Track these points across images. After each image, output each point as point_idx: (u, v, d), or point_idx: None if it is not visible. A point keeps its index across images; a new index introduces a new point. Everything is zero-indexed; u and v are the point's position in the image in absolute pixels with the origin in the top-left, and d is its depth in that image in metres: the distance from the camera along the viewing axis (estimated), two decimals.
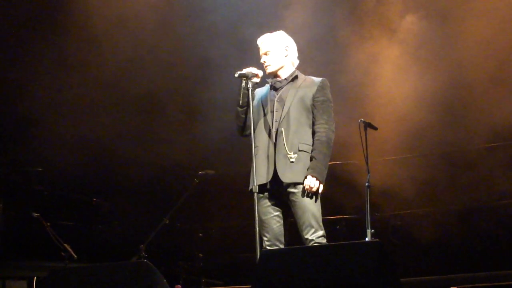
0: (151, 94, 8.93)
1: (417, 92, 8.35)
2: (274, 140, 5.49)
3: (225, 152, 9.01)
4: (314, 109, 5.54)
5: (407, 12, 8.49)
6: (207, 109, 8.86)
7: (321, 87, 5.59)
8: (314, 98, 5.55)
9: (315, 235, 5.31)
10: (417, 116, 8.39)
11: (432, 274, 8.21)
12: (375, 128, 6.86)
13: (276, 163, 5.42)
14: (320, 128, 5.50)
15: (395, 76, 8.49)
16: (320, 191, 5.38)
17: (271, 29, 5.76)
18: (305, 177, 5.36)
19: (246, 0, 8.57)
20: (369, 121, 6.81)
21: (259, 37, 5.71)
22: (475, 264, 8.20)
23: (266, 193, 5.49)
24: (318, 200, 5.42)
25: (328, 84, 5.66)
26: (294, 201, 5.40)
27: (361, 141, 6.65)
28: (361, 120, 6.73)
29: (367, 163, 6.63)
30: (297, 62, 5.78)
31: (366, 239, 6.41)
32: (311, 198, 5.36)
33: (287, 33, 5.77)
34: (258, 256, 5.00)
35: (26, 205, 8.23)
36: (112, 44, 8.51)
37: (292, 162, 5.40)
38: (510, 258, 8.03)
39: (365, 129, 6.73)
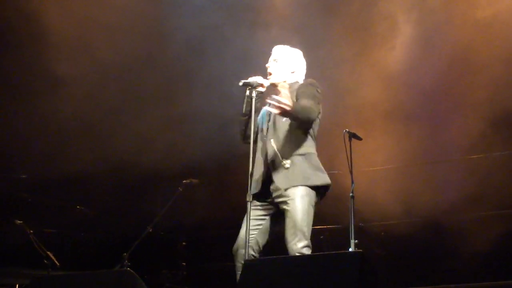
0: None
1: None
2: (264, 150, 5.54)
3: (210, 161, 9.01)
4: (299, 98, 5.49)
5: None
6: (192, 117, 8.87)
7: (303, 84, 5.61)
8: (297, 92, 5.54)
9: (300, 244, 5.29)
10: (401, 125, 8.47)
11: (416, 285, 8.23)
12: (360, 139, 6.87)
13: (272, 172, 5.46)
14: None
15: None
16: (287, 108, 5.17)
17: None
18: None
19: (225, 13, 8.60)
20: (353, 131, 6.83)
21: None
22: (459, 275, 8.22)
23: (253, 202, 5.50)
24: (312, 213, 5.41)
25: (314, 82, 5.63)
26: (287, 210, 5.38)
27: (346, 151, 6.66)
28: (345, 131, 6.75)
29: (351, 173, 6.64)
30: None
31: (350, 249, 6.41)
32: (303, 210, 5.34)
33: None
34: (242, 265, 5.00)
35: (9, 212, 8.18)
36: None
37: (287, 168, 5.42)
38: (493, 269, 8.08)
39: (350, 140, 6.74)
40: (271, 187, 5.47)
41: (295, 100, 5.44)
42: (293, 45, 5.87)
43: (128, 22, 8.32)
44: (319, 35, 8.53)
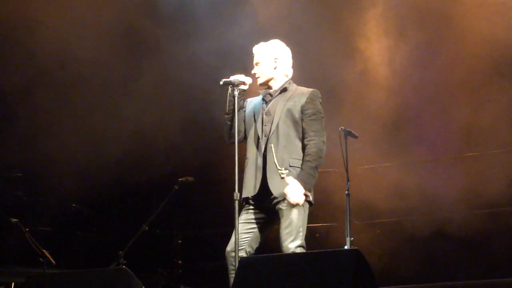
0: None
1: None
2: (262, 154, 5.44)
3: (205, 158, 9.00)
4: (303, 122, 5.47)
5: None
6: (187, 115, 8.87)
7: (310, 99, 5.51)
8: (302, 111, 5.47)
9: (293, 244, 5.25)
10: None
11: (412, 282, 8.24)
12: (356, 137, 6.87)
13: (268, 178, 5.37)
14: (310, 141, 5.42)
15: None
16: (302, 199, 5.28)
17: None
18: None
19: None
20: (349, 129, 6.83)
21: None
22: (455, 273, 8.23)
23: (246, 203, 5.48)
24: (306, 213, 5.37)
25: (319, 95, 5.57)
26: (283, 210, 5.33)
27: (342, 149, 6.65)
28: (341, 128, 6.74)
29: (347, 171, 6.64)
30: (290, 72, 5.69)
31: (345, 247, 6.42)
32: (299, 210, 5.30)
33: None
34: (237, 264, 4.99)
35: (4, 210, 8.17)
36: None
37: (283, 178, 5.33)
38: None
39: (346, 137, 6.74)
40: (264, 192, 5.39)
41: (298, 116, 5.44)
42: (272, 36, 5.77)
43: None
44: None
